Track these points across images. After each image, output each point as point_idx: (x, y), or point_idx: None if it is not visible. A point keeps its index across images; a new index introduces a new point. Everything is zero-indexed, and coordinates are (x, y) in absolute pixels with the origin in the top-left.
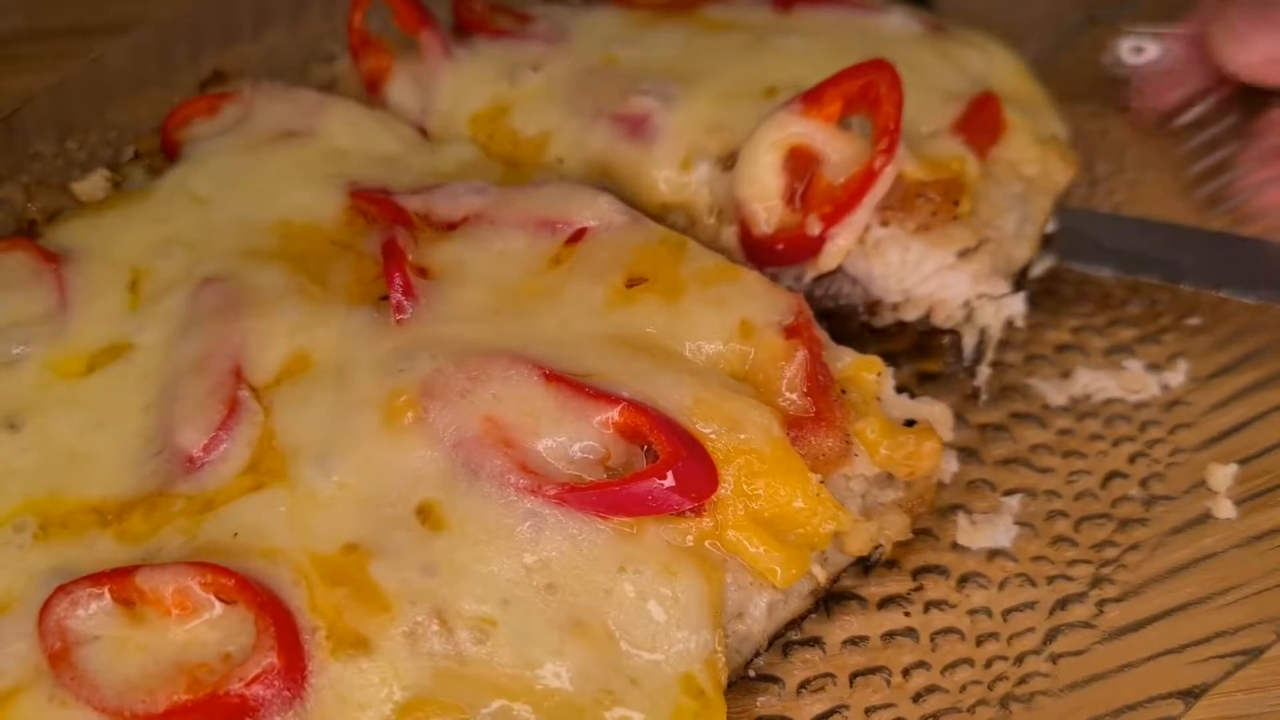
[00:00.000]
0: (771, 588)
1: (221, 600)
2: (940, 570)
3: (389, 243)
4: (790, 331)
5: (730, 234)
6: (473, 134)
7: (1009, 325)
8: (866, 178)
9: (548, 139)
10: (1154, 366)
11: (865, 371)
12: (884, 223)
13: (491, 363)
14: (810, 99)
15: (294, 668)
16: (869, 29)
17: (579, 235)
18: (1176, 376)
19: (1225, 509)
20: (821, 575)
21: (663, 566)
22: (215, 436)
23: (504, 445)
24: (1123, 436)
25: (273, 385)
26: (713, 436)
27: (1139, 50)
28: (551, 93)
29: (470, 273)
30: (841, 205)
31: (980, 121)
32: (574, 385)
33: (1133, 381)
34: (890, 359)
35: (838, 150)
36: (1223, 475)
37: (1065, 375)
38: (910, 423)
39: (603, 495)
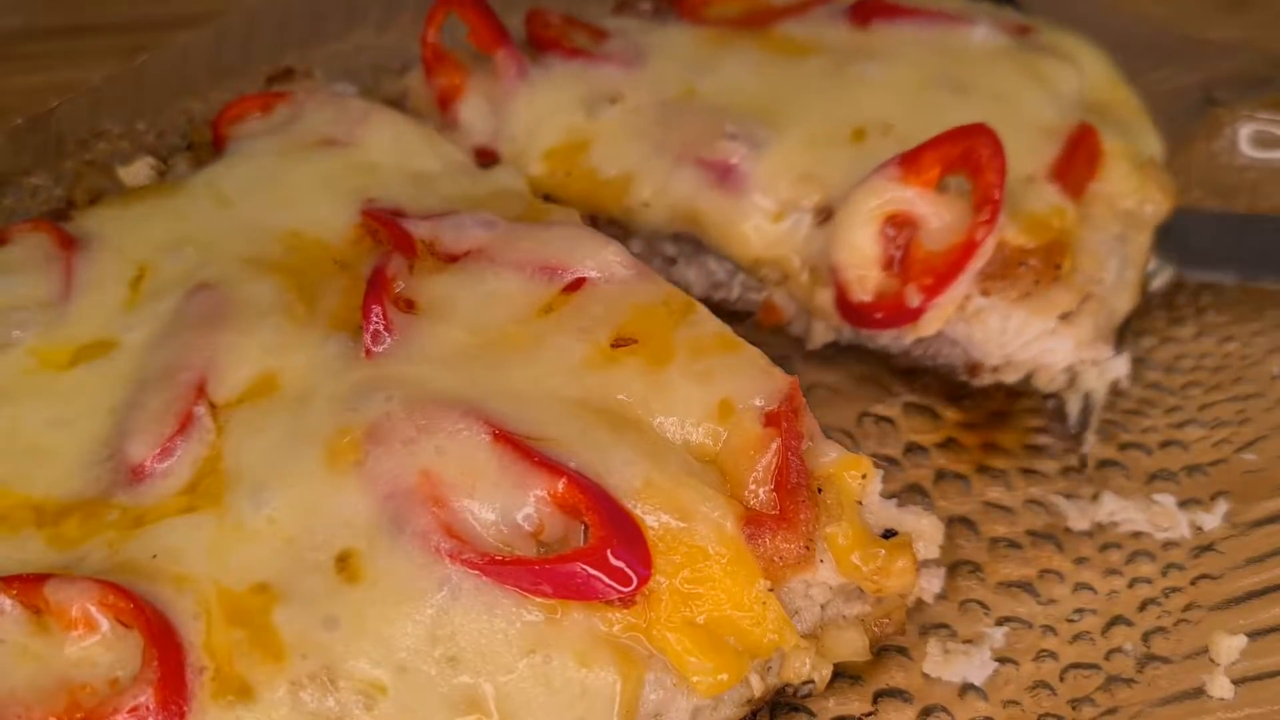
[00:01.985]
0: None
1: (120, 623)
2: (904, 696)
3: (376, 272)
4: (770, 419)
5: (825, 295)
6: (550, 169)
7: (1113, 388)
8: (968, 249)
9: (630, 180)
10: (1189, 503)
11: (849, 470)
12: (985, 292)
13: (443, 413)
14: (908, 163)
15: (171, 706)
16: (953, 46)
17: (577, 284)
18: (1212, 519)
19: (1222, 687)
20: (759, 686)
21: (577, 655)
22: (163, 450)
23: (434, 503)
24: (1141, 578)
25: (234, 405)
26: (655, 525)
27: (1266, 139)
28: (631, 129)
29: (456, 311)
30: (942, 277)
31: (1078, 160)
32: (521, 449)
33: (1161, 517)
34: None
35: (937, 216)
36: (1228, 647)
37: (1093, 498)
38: (891, 533)
39: (524, 571)
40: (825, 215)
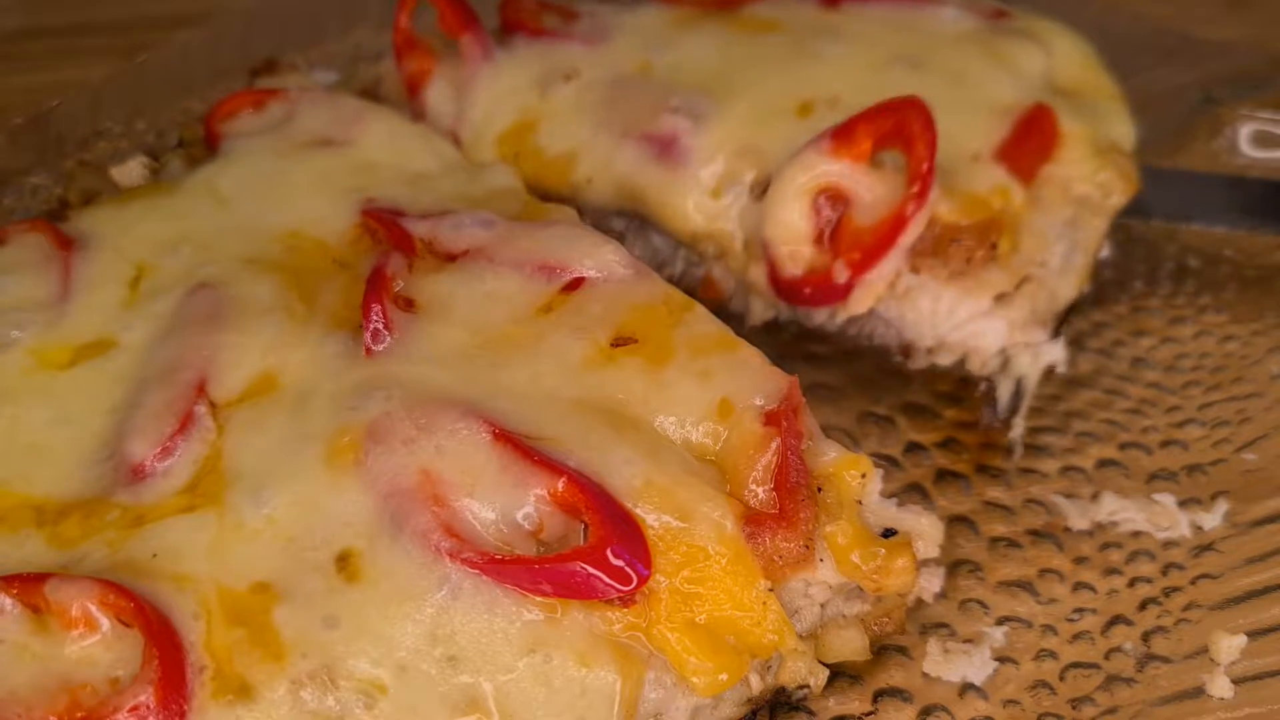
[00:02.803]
0: None
1: (120, 622)
2: (904, 695)
3: (375, 271)
4: (770, 418)
5: (759, 271)
6: (500, 154)
7: (1049, 375)
8: (896, 224)
9: (574, 158)
10: (1189, 503)
11: (849, 470)
12: (915, 269)
13: (443, 413)
14: (840, 137)
15: (171, 705)
16: (919, 27)
17: (576, 284)
18: (1212, 519)
19: (1222, 687)
20: (758, 686)
21: (577, 655)
22: (163, 449)
23: (434, 502)
24: (1141, 577)
25: (234, 404)
26: (655, 524)
27: (1266, 139)
28: (580, 106)
29: (455, 310)
30: (870, 252)
31: (1030, 140)
32: (521, 448)
33: (1161, 517)
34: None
35: (869, 190)
36: (1228, 647)
37: (1093, 498)
38: (891, 533)
39: (524, 570)
40: (763, 189)
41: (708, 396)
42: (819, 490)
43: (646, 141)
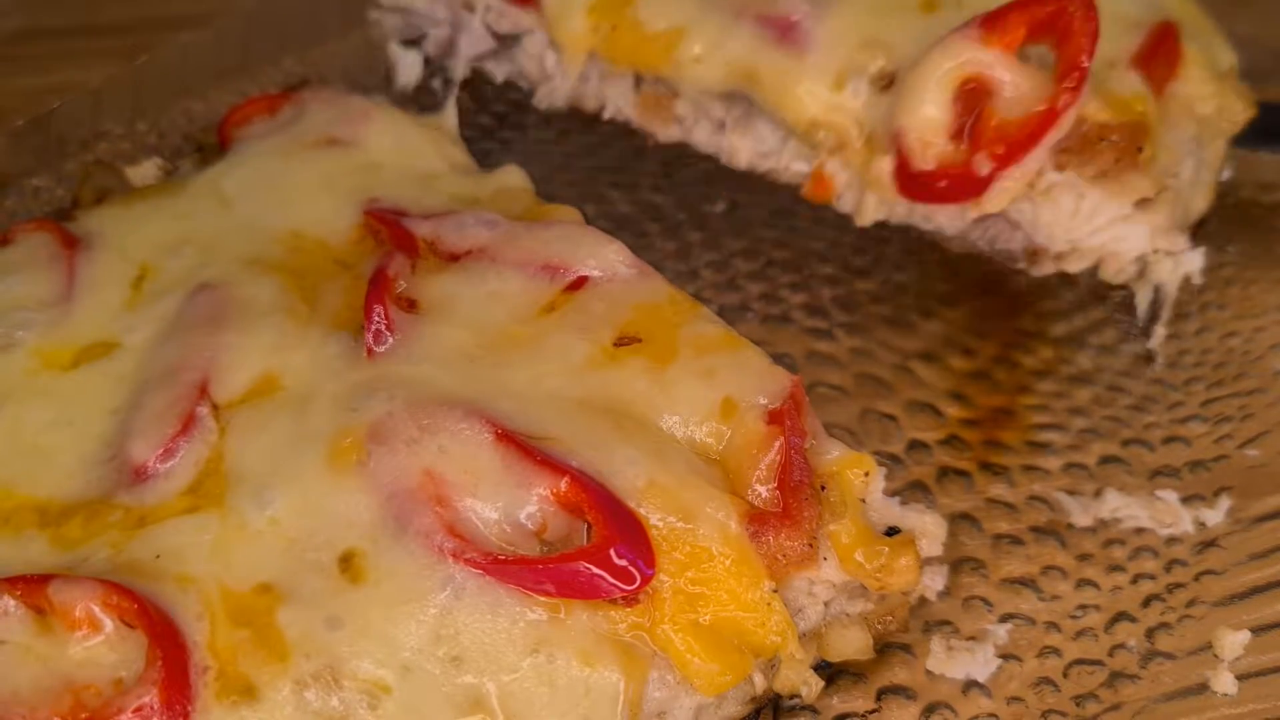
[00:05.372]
0: None
1: (124, 623)
2: (907, 694)
3: (378, 272)
4: (773, 417)
5: (883, 165)
6: (594, 23)
7: (1185, 284)
8: (1047, 117)
9: (681, 34)
10: (1192, 499)
11: (852, 468)
12: (1059, 167)
13: (446, 413)
14: (990, 24)
15: (175, 706)
16: None
17: (579, 283)
18: (1215, 515)
19: (1225, 683)
20: (761, 684)
21: (581, 654)
22: (165, 450)
23: (437, 503)
24: (1144, 574)
25: (236, 405)
26: (659, 524)
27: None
28: None
29: (458, 311)
30: (1017, 146)
31: (1160, 54)
32: (524, 448)
33: (1164, 514)
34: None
35: (1015, 84)
36: (1232, 643)
37: (1096, 494)
38: (894, 531)
39: (528, 570)
40: (888, 82)
41: (711, 396)
42: (822, 489)
43: (764, 23)
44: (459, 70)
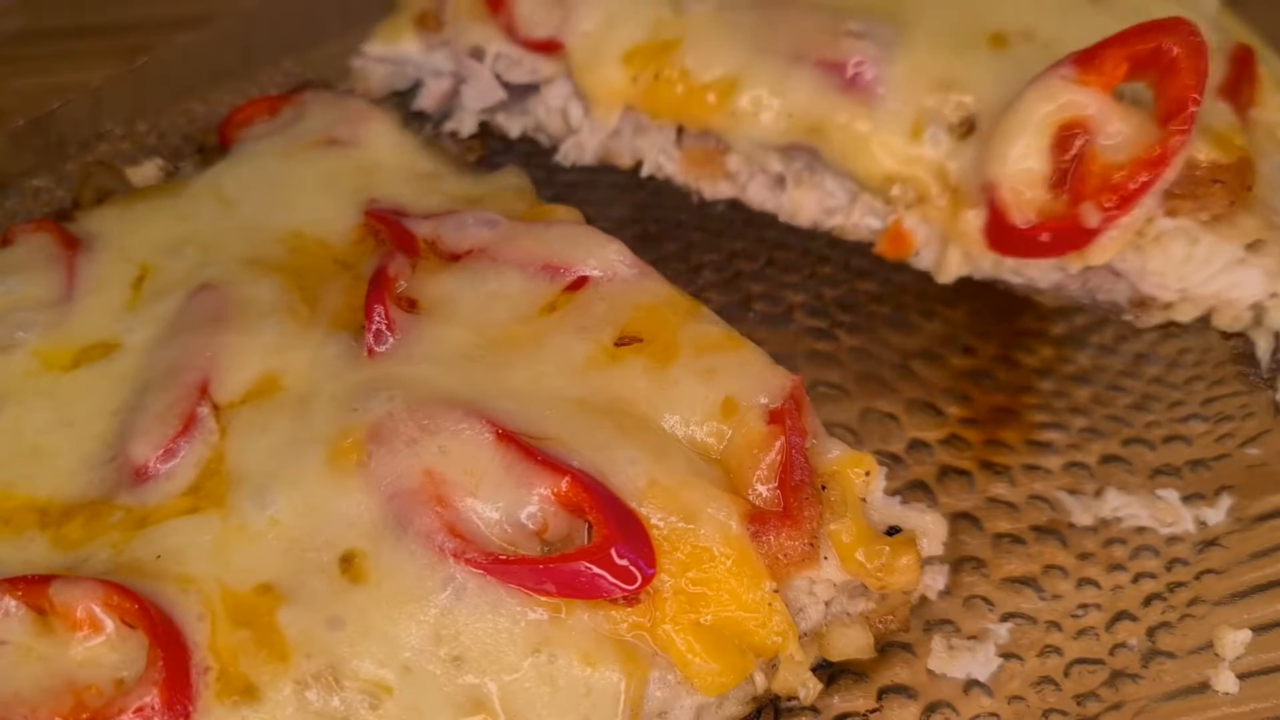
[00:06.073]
0: None
1: (125, 624)
2: (908, 693)
3: (378, 271)
4: (774, 417)
5: (971, 218)
6: (633, 72)
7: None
8: (1159, 161)
9: (735, 84)
10: (1193, 498)
11: (853, 468)
12: (1170, 213)
13: (446, 413)
14: (1088, 62)
15: (176, 706)
16: None
17: (580, 283)
18: (1216, 514)
19: (1226, 682)
20: (762, 684)
21: (582, 654)
22: (166, 451)
23: (437, 503)
24: (1145, 573)
25: (237, 405)
26: (660, 524)
27: None
28: (728, 25)
29: (458, 310)
30: (1128, 194)
31: (1243, 80)
32: (525, 448)
33: (1165, 513)
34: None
35: (1116, 126)
36: (1233, 642)
37: (1097, 494)
38: (895, 530)
39: (529, 570)
40: (968, 128)
41: (712, 395)
42: (823, 488)
43: (825, 68)
44: (466, 126)
